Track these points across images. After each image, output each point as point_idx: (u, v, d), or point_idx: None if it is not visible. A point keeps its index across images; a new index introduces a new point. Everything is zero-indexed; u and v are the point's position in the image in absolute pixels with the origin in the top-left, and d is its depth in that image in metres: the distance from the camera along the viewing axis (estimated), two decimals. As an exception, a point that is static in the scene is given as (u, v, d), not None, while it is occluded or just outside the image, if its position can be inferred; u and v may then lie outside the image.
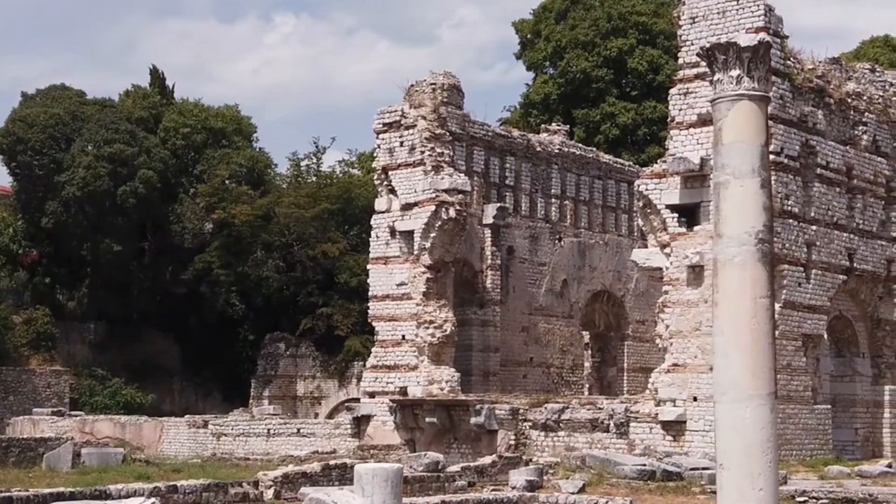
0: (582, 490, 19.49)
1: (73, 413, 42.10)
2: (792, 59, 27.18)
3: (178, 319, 53.70)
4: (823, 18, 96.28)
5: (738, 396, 9.24)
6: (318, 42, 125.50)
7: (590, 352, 40.17)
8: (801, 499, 18.46)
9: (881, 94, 30.50)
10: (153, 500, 12.15)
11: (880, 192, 29.86)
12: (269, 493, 18.68)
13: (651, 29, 54.86)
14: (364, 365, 46.62)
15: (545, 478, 21.19)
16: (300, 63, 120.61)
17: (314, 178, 58.28)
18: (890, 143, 30.38)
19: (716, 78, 9.90)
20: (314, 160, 59.17)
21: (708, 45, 9.97)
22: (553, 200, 37.65)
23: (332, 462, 23.33)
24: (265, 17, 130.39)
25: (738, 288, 9.79)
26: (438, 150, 32.46)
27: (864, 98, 29.56)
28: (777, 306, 26.08)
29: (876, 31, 60.38)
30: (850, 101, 28.93)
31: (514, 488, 19.85)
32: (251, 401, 49.03)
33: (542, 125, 42.46)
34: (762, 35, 9.69)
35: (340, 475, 22.76)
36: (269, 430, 34.97)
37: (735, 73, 9.71)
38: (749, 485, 9.02)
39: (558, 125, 40.72)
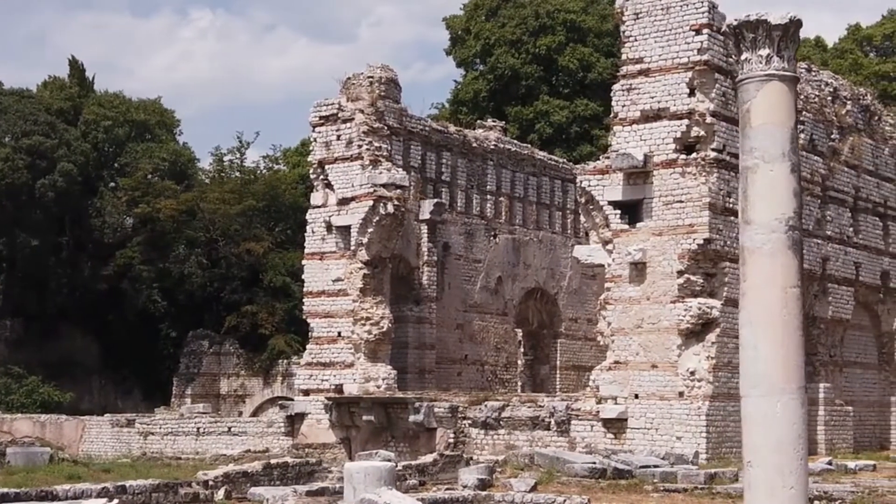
0: (534, 489, 19.16)
1: (-11, 412, 40.82)
2: (733, 56, 27.13)
3: (97, 316, 52.43)
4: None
5: (769, 391, 8.95)
6: (235, 38, 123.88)
7: (523, 349, 39.97)
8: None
9: (817, 93, 30.71)
10: (115, 501, 11.53)
11: (816, 190, 30.05)
12: (220, 493, 18.05)
13: (580, 26, 54.82)
14: (289, 363, 46.08)
15: (493, 476, 20.84)
16: (217, 58, 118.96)
17: (238, 174, 57.30)
18: (826, 142, 30.61)
19: (743, 57, 9.56)
20: (237, 155, 58.17)
21: (736, 23, 9.65)
22: (488, 197, 37.34)
23: (273, 461, 22.89)
24: (181, 12, 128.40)
25: (768, 277, 9.49)
26: (376, 145, 31.91)
27: (801, 97, 29.69)
28: (718, 304, 26.09)
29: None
30: (788, 100, 29.02)
31: (465, 487, 19.45)
32: (173, 399, 48.06)
33: (478, 121, 42.11)
34: (793, 13, 9.42)
35: (282, 474, 22.35)
36: (198, 428, 34.20)
37: (764, 52, 9.41)
38: (780, 482, 8.75)
39: (494, 122, 40.42)
